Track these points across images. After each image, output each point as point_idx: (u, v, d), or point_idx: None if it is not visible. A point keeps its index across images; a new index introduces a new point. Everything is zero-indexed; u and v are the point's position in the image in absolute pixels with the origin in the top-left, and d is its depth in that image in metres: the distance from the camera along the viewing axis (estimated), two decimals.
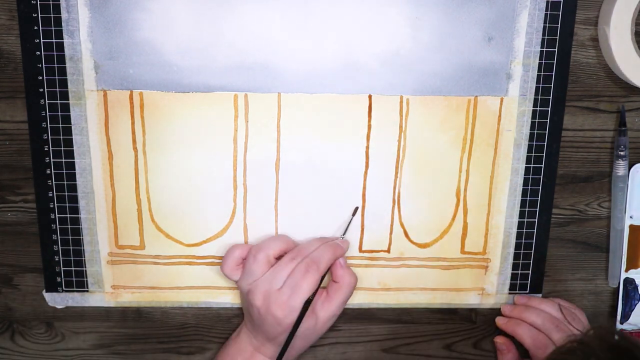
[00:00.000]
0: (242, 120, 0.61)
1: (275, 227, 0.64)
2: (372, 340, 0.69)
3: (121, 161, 0.62)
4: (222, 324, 0.67)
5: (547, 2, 0.59)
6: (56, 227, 0.63)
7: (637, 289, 0.67)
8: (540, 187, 0.64)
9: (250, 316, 0.60)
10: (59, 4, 0.57)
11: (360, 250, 0.65)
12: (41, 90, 0.60)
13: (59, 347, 0.68)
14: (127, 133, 0.61)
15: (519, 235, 0.65)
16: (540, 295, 0.67)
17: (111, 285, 0.65)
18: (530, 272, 0.67)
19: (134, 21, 0.58)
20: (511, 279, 0.67)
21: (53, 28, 0.58)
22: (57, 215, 0.63)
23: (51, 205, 0.63)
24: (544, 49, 0.60)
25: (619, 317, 0.68)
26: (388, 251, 0.65)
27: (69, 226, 0.63)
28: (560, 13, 0.59)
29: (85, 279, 0.65)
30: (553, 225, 0.66)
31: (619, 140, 0.63)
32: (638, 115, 0.64)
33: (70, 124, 0.60)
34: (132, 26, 0.58)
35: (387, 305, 0.67)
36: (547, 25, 0.60)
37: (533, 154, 0.63)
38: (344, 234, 0.63)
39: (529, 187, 0.64)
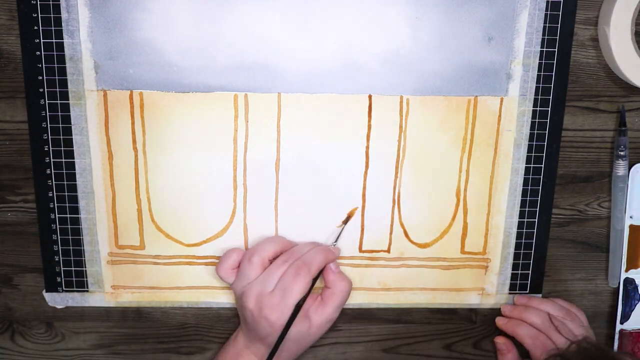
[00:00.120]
0: (242, 120, 0.61)
1: (275, 227, 0.64)
2: (372, 340, 0.69)
3: (121, 161, 0.62)
4: (222, 324, 0.67)
5: (547, 2, 0.59)
6: (56, 227, 0.63)
7: (637, 289, 0.67)
8: (540, 187, 0.64)
9: (244, 318, 0.60)
10: (59, 4, 0.57)
11: (360, 250, 0.65)
12: (41, 90, 0.60)
13: (59, 347, 0.68)
14: (127, 133, 0.61)
15: (519, 235, 0.65)
16: (540, 295, 0.67)
17: (111, 285, 0.65)
18: (530, 272, 0.67)
19: (134, 21, 0.58)
20: (511, 279, 0.67)
21: (53, 28, 0.58)
22: (57, 215, 0.63)
23: (51, 205, 0.63)
24: (544, 49, 0.60)
25: (619, 317, 0.68)
26: (388, 251, 0.65)
27: (69, 226, 0.63)
28: (560, 13, 0.59)
29: (85, 279, 0.65)
30: (553, 225, 0.66)
31: (619, 140, 0.63)
32: (638, 115, 0.64)
33: (70, 124, 0.60)
34: (132, 26, 0.58)
35: (387, 305, 0.67)
36: (547, 25, 0.60)
37: (533, 154, 0.63)
38: (335, 242, 0.63)
39: (529, 187, 0.64)
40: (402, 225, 0.65)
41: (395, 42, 0.60)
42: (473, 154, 0.63)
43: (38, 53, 0.59)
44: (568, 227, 0.67)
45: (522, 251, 0.66)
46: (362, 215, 0.64)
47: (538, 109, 0.62)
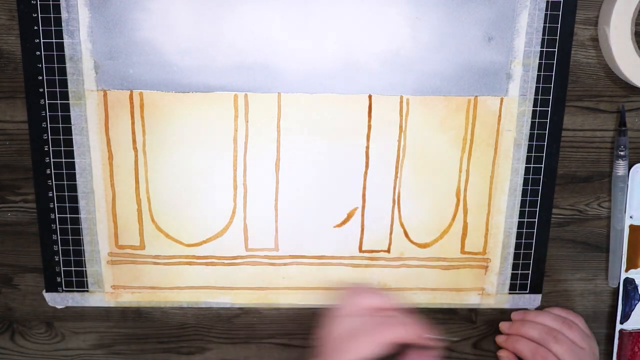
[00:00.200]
0: (242, 120, 0.61)
1: (275, 227, 0.64)
2: None
3: (121, 161, 0.62)
4: (222, 324, 0.67)
5: (547, 2, 0.59)
6: (56, 227, 0.63)
7: (637, 289, 0.67)
8: (540, 187, 0.64)
9: (326, 344, 0.55)
10: (59, 4, 0.57)
11: (360, 250, 0.65)
12: (41, 90, 0.60)
13: (59, 347, 0.68)
14: (127, 133, 0.61)
15: (519, 235, 0.65)
16: (540, 295, 0.67)
17: (111, 285, 0.65)
18: (530, 272, 0.67)
19: (134, 21, 0.58)
20: (511, 279, 0.67)
21: (53, 28, 0.58)
22: (57, 215, 0.63)
23: (51, 205, 0.63)
24: (544, 49, 0.60)
25: (619, 317, 0.68)
26: (388, 251, 0.65)
27: (69, 226, 0.63)
28: (560, 13, 0.60)
29: (85, 279, 0.65)
30: (553, 225, 0.66)
31: (619, 140, 0.63)
32: (638, 115, 0.64)
33: (70, 124, 0.60)
34: (132, 26, 0.58)
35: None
36: (547, 25, 0.60)
37: (533, 154, 0.63)
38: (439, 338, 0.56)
39: (529, 187, 0.64)
40: (402, 225, 0.65)
41: (395, 42, 0.60)
42: (473, 154, 0.63)
43: (38, 53, 0.59)
44: (568, 227, 0.67)
45: (522, 251, 0.66)
46: (362, 215, 0.64)
47: (538, 109, 0.62)
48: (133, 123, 0.61)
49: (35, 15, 0.58)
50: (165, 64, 0.59)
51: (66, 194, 0.62)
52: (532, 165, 0.63)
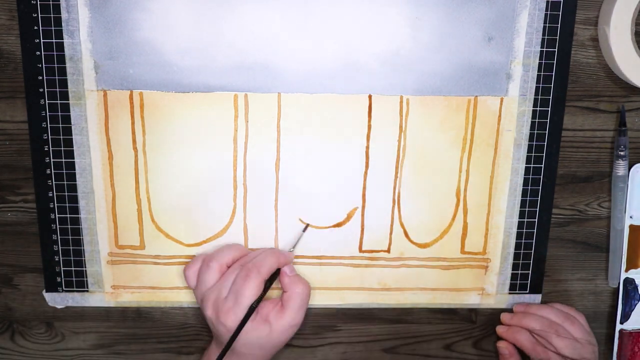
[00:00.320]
0: (242, 120, 0.61)
1: (275, 227, 0.64)
2: (372, 340, 0.69)
3: (121, 161, 0.62)
4: None
5: (547, 2, 0.59)
6: (56, 227, 0.63)
7: (637, 289, 0.67)
8: (540, 187, 0.64)
9: (209, 324, 0.60)
10: (59, 4, 0.57)
11: (360, 250, 0.65)
12: (41, 90, 0.60)
13: (59, 347, 0.68)
14: (127, 133, 0.61)
15: (519, 235, 0.65)
16: (540, 295, 0.67)
17: (111, 285, 0.65)
18: (530, 272, 0.67)
19: (134, 21, 0.58)
20: (511, 279, 0.67)
21: (53, 28, 0.58)
22: (57, 215, 0.63)
23: (51, 205, 0.63)
24: (544, 49, 0.60)
25: (619, 317, 0.68)
26: (388, 251, 0.65)
27: (69, 226, 0.63)
28: (560, 13, 0.60)
29: (85, 279, 0.65)
30: (553, 225, 0.66)
31: (619, 140, 0.63)
32: (638, 115, 0.64)
33: (70, 124, 0.60)
34: (132, 26, 0.58)
35: (387, 305, 0.67)
36: (547, 25, 0.60)
37: (533, 154, 0.63)
38: (293, 248, 0.63)
39: (529, 187, 0.64)
40: (402, 225, 0.65)
41: (395, 42, 0.60)
42: (473, 154, 0.63)
43: (38, 53, 0.59)
44: (568, 227, 0.67)
45: (522, 251, 0.66)
46: (362, 215, 0.64)
47: (538, 109, 0.62)
48: (133, 123, 0.61)
49: (35, 15, 0.58)
50: (165, 64, 0.59)
51: (66, 194, 0.62)
52: (532, 165, 0.63)
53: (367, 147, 0.62)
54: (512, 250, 0.66)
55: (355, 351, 0.69)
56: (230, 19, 0.58)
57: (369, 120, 0.62)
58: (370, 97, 0.61)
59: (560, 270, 0.68)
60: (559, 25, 0.60)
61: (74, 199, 0.62)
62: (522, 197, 0.64)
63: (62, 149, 0.61)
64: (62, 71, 0.59)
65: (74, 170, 0.62)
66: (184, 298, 0.66)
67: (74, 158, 0.61)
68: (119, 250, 0.64)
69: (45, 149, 0.61)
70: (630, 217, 0.65)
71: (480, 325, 0.69)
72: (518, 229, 0.65)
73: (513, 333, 0.65)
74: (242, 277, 0.57)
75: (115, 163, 0.62)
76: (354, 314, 0.68)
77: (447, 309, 0.68)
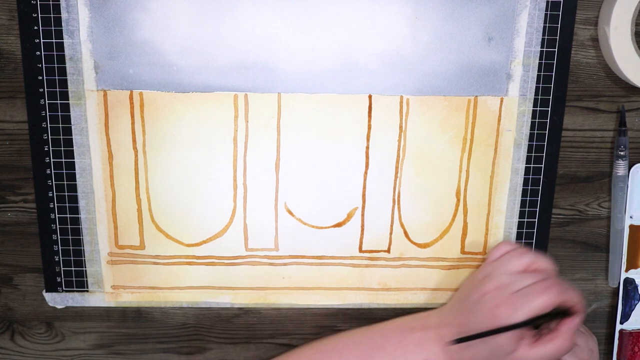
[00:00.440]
0: (242, 120, 0.61)
1: (275, 227, 0.64)
2: None
3: (121, 161, 0.62)
4: (222, 324, 0.67)
5: (547, 2, 0.59)
6: (56, 227, 0.63)
7: (637, 289, 0.67)
8: (540, 187, 0.64)
9: (466, 298, 0.58)
10: (59, 4, 0.57)
11: (360, 250, 0.65)
12: (41, 90, 0.60)
13: (59, 347, 0.68)
14: (127, 133, 0.61)
15: (519, 235, 0.65)
16: None
17: (111, 285, 0.65)
18: None
19: (134, 21, 0.58)
20: None
21: (53, 28, 0.58)
22: (57, 215, 0.63)
23: (51, 205, 0.63)
24: (544, 49, 0.60)
25: (619, 317, 0.68)
26: (388, 251, 0.65)
27: (69, 226, 0.63)
28: (560, 13, 0.60)
29: (85, 279, 0.65)
30: (553, 225, 0.66)
31: (619, 140, 0.63)
32: (638, 115, 0.64)
33: (70, 124, 0.60)
34: (132, 26, 0.58)
35: (387, 305, 0.67)
36: (547, 25, 0.60)
37: (533, 154, 0.63)
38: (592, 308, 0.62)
39: (529, 187, 0.64)
40: (402, 225, 0.65)
41: (395, 42, 0.60)
42: (473, 154, 0.63)
43: (38, 53, 0.59)
44: (568, 227, 0.67)
45: None
46: (362, 215, 0.64)
47: (538, 109, 0.62)
48: (133, 123, 0.61)
49: (35, 15, 0.58)
50: (165, 64, 0.59)
51: (66, 194, 0.62)
52: (532, 165, 0.63)
53: (367, 147, 0.62)
54: None
55: None
56: (230, 19, 0.58)
57: (369, 120, 0.62)
58: (370, 97, 0.61)
59: (560, 270, 0.68)
60: (559, 25, 0.60)
61: (74, 199, 0.62)
62: (522, 197, 0.64)
63: (62, 149, 0.61)
64: (62, 71, 0.59)
65: (74, 170, 0.62)
66: (184, 298, 0.66)
67: (74, 158, 0.61)
68: (119, 250, 0.64)
69: (45, 149, 0.61)
70: (630, 217, 0.65)
71: None
72: (518, 229, 0.65)
73: None
74: (544, 286, 0.55)
75: (115, 163, 0.62)
76: (354, 314, 0.68)
77: None
